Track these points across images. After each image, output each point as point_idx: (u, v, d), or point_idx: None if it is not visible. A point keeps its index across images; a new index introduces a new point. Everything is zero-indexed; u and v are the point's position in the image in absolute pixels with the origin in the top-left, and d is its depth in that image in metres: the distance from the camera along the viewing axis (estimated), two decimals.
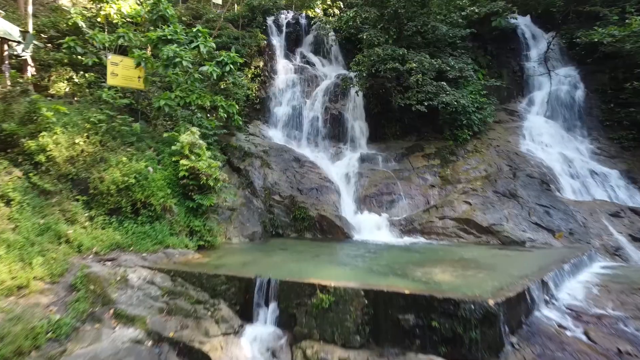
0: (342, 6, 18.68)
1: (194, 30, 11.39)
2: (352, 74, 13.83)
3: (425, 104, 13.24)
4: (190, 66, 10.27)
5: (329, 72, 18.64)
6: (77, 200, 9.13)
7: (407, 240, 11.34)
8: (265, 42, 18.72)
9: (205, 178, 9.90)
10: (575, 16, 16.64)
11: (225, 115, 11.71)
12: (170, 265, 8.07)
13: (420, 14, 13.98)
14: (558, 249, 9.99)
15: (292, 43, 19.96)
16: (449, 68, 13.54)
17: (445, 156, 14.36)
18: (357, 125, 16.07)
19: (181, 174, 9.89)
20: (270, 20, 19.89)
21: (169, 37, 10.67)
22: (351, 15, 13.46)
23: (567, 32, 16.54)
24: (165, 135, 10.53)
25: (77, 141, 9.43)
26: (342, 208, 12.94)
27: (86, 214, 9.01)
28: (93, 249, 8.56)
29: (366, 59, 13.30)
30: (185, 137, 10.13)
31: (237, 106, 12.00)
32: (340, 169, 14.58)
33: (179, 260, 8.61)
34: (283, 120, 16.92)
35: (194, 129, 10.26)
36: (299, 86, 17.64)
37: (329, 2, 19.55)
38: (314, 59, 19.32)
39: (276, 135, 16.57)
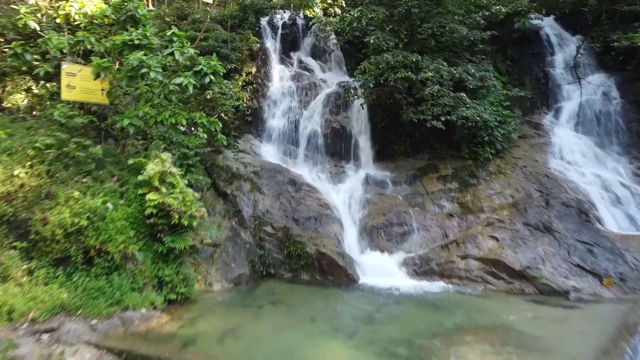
0: (344, 5, 17.02)
1: (169, 33, 9.68)
2: (356, 84, 12.14)
3: (442, 119, 11.53)
4: (160, 78, 8.55)
5: (330, 79, 16.95)
6: (14, 248, 7.43)
7: (424, 285, 9.63)
8: (258, 45, 17.02)
9: (177, 216, 8.17)
10: (608, 16, 14.95)
11: (205, 136, 9.98)
12: (124, 341, 6.36)
13: (436, 13, 12.30)
14: (613, 304, 8.27)
15: (289, 46, 18.26)
16: (469, 77, 11.83)
17: (464, 179, 12.64)
18: (362, 141, 14.36)
19: (148, 211, 8.19)
20: (264, 20, 18.20)
21: (137, 42, 8.96)
22: (355, 15, 11.79)
23: (598, 35, 14.83)
24: (130, 161, 8.80)
25: (16, 173, 7.72)
26: (345, 242, 11.23)
27: (24, 266, 7.30)
28: (29, 315, 6.87)
29: (373, 67, 11.60)
30: (152, 167, 8.40)
31: (220, 123, 10.27)
32: (342, 193, 12.87)
33: (139, 329, 6.89)
34: (278, 134, 15.22)
35: (165, 156, 8.55)
36: (296, 95, 15.94)
37: (329, 1, 17.87)
38: (312, 64, 17.63)
39: (270, 151, 14.86)
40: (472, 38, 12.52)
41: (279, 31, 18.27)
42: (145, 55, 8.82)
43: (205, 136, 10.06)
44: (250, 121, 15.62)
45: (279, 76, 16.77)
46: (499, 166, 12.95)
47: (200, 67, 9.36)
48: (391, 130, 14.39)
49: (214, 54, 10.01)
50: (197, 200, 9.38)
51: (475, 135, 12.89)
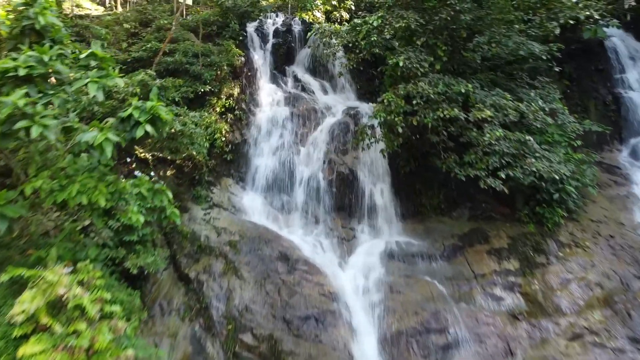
0: (352, 8, 13.53)
1: (83, 55, 6.29)
2: (374, 121, 8.72)
3: (502, 175, 8.08)
4: (53, 136, 5.16)
5: (335, 103, 13.54)
6: None
7: None
8: (242, 59, 13.61)
9: None
10: None
11: (142, 219, 6.50)
12: None
13: (490, 22, 8.87)
14: None
15: (282, 59, 14.87)
16: (538, 111, 8.42)
17: (526, 254, 9.22)
18: (379, 192, 10.95)
19: None
20: (251, 27, 14.81)
21: (24, 72, 5.56)
22: (374, 24, 8.36)
23: None
24: (4, 277, 5.37)
25: None
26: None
27: None
28: None
29: (401, 101, 8.17)
30: (34, 294, 5.00)
31: (169, 193, 6.81)
32: (353, 272, 9.49)
33: None
34: (266, 179, 11.84)
35: (60, 270, 5.11)
36: (290, 125, 12.58)
37: (334, 2, 14.32)
38: (312, 82, 14.23)
39: (255, 203, 11.44)
40: (538, 53, 9.07)
41: (270, 40, 14.87)
42: (33, 93, 5.41)
43: (142, 219, 6.57)
44: (230, 160, 12.20)
45: (269, 99, 13.36)
46: (573, 234, 9.50)
47: (127, 112, 5.88)
48: (418, 178, 10.97)
49: (153, 89, 6.48)
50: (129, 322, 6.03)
51: (538, 190, 9.43)
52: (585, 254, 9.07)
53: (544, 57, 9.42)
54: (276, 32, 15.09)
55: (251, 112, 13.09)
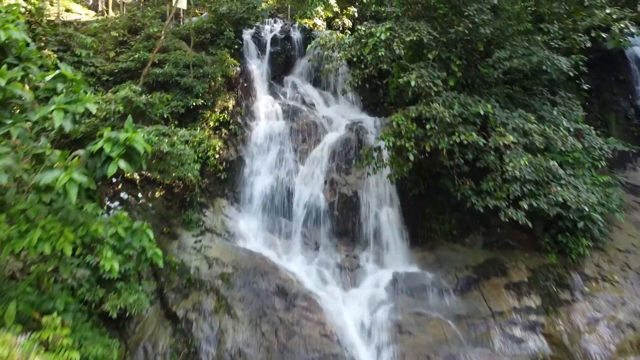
0: (356, 15, 12.67)
1: (48, 78, 5.52)
2: (380, 142, 7.89)
3: (525, 205, 7.28)
4: (4, 180, 4.40)
5: (337, 115, 12.77)
6: None
7: None
8: (238, 68, 12.83)
9: None
10: None
11: (116, 269, 5.68)
12: None
13: (512, 33, 8.03)
14: None
15: (280, 68, 14.11)
16: (567, 136, 7.62)
17: (548, 289, 8.44)
18: (385, 216, 10.17)
19: None
20: (247, 34, 14.02)
21: None
22: (382, 37, 7.52)
23: None
24: None
25: None
26: None
27: None
28: None
29: (411, 124, 7.36)
30: None
31: (150, 233, 6.01)
32: (358, 308, 8.71)
33: None
34: (262, 199, 11.05)
35: (11, 349, 4.31)
36: (290, 141, 11.80)
37: (335, 9, 13.41)
38: (312, 93, 13.46)
39: (250, 227, 10.69)
40: (568, 71, 8.24)
41: (268, 48, 14.09)
42: None
43: (117, 267, 5.76)
44: (224, 179, 11.42)
45: (266, 112, 12.58)
46: (599, 266, 8.71)
47: (98, 145, 5.07)
48: (428, 200, 10.19)
49: (127, 123, 5.66)
50: None
51: (561, 217, 8.61)
52: (614, 289, 8.27)
53: (572, 74, 8.63)
54: (274, 40, 14.30)
55: (247, 126, 12.31)
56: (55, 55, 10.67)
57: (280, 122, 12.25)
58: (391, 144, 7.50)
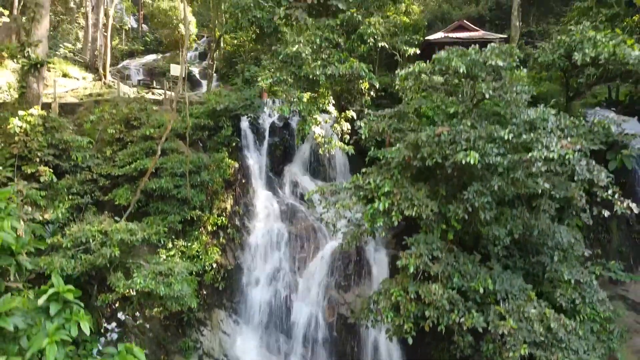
0: (354, 117, 12.71)
1: (42, 300, 5.58)
2: (380, 305, 7.88)
3: None
4: None
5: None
6: None
7: None
8: (236, 165, 12.95)
9: None
10: None
11: None
12: None
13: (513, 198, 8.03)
14: None
15: (279, 159, 14.29)
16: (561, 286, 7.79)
17: None
18: (385, 346, 10.22)
19: None
20: (244, 122, 14.09)
21: None
22: (380, 207, 7.30)
23: None
24: None
25: None
26: None
27: None
28: None
29: (411, 305, 7.45)
30: None
31: None
32: None
33: None
34: (261, 313, 11.18)
35: None
36: (288, 248, 11.93)
37: (334, 114, 13.40)
38: (310, 186, 13.52)
39: (249, 344, 10.87)
40: (572, 246, 8.39)
41: (266, 138, 14.22)
42: None
43: None
44: (222, 290, 11.54)
45: (265, 212, 12.72)
46: None
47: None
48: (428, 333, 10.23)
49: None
50: None
51: None
52: None
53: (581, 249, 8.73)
54: (272, 129, 14.43)
55: (245, 228, 12.43)
56: (51, 171, 10.74)
57: (279, 225, 12.37)
58: (390, 320, 7.61)
